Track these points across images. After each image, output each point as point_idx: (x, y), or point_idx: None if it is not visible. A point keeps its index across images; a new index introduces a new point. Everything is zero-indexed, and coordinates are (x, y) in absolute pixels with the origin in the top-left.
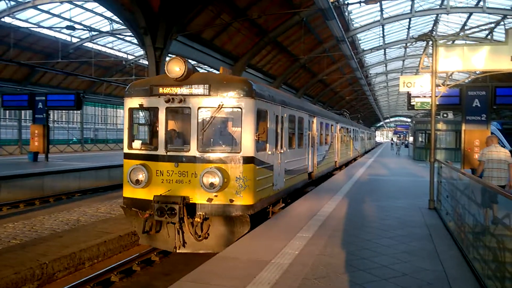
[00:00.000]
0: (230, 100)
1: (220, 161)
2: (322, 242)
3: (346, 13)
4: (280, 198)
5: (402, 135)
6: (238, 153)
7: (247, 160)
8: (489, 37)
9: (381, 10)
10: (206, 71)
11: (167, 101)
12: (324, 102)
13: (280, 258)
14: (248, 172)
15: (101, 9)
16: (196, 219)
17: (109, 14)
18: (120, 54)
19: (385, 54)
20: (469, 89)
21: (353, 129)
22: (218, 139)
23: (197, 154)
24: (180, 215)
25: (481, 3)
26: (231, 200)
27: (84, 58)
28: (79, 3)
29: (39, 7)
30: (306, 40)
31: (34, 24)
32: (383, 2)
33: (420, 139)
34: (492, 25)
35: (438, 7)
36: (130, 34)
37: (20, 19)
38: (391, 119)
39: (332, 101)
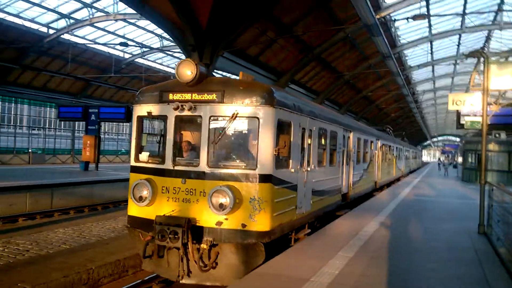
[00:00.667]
0: (246, 108)
1: (233, 178)
2: (364, 263)
3: (393, 29)
4: (306, 222)
5: (450, 155)
6: (254, 170)
7: (264, 178)
8: None
9: (430, 26)
10: (225, 76)
11: (176, 109)
12: (368, 118)
13: (320, 276)
14: (264, 192)
15: (152, 26)
16: (202, 245)
17: (159, 31)
18: (169, 70)
19: (433, 71)
20: None
21: (397, 147)
22: (231, 153)
23: (207, 170)
24: (184, 240)
25: None
26: (244, 225)
27: (135, 73)
28: (132, 21)
29: (95, 24)
30: (350, 56)
31: (90, 40)
32: (431, 18)
33: (469, 159)
34: None
35: (490, 23)
36: (178, 50)
37: (78, 36)
38: (439, 138)
39: (376, 118)
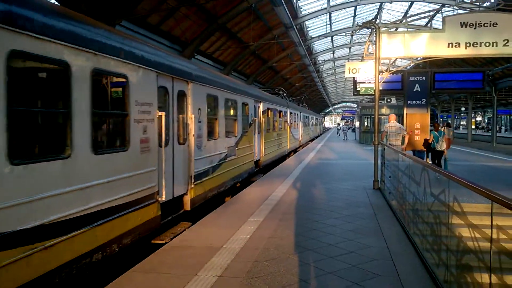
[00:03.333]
0: None
1: None
2: (273, 225)
3: (294, 0)
4: None
5: (349, 120)
6: None
7: None
8: (429, 25)
9: None
10: None
11: None
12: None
13: (232, 243)
14: None
15: None
16: None
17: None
18: None
19: (332, 41)
20: (410, 75)
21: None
22: None
23: None
24: None
25: None
26: None
27: None
28: None
29: None
30: (255, 27)
31: None
32: None
33: (365, 123)
34: (432, 13)
35: None
36: None
37: None
38: (339, 105)
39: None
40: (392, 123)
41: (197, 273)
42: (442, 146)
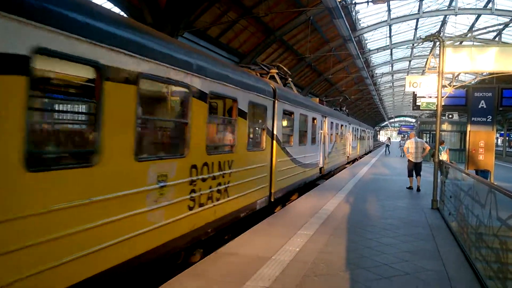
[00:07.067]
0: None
1: None
2: (324, 240)
3: (353, 13)
4: None
5: (406, 135)
6: None
7: None
8: (496, 38)
9: (389, 10)
10: None
11: None
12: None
13: (281, 255)
14: None
15: (109, 5)
16: None
17: (116, 10)
18: None
19: (391, 54)
20: (475, 90)
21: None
22: None
23: None
24: None
25: (490, 5)
26: None
27: None
28: None
29: None
30: (312, 39)
31: None
32: (390, 2)
33: (424, 139)
34: (500, 26)
35: (446, 8)
36: None
37: None
38: (396, 119)
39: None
40: (413, 139)
41: (246, 282)
42: (443, 157)
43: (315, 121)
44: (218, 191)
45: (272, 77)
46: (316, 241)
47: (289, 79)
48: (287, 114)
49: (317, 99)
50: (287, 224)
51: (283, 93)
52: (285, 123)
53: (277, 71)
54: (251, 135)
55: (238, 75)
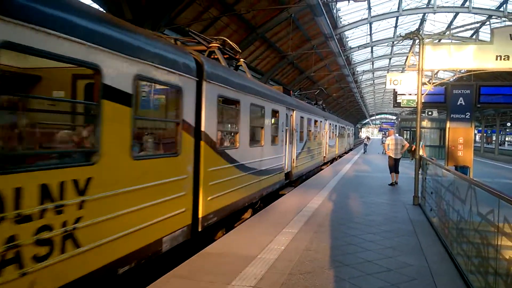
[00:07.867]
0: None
1: None
2: (308, 238)
3: (335, 10)
4: None
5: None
6: None
7: None
8: (474, 36)
9: (369, 8)
10: None
11: None
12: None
13: (266, 253)
14: None
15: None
16: None
17: (94, 6)
18: None
19: (372, 52)
20: (454, 87)
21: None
22: None
23: None
24: None
25: (467, 3)
26: None
27: None
28: None
29: None
30: (294, 36)
31: None
32: (371, 0)
33: (405, 136)
34: (478, 25)
35: (425, 6)
36: None
37: None
38: (377, 117)
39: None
40: (393, 136)
41: (232, 281)
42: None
43: (276, 114)
44: (42, 242)
45: (213, 55)
46: (301, 239)
47: (241, 59)
48: (228, 103)
49: (281, 87)
50: (272, 222)
51: (218, 72)
52: (224, 116)
53: (218, 45)
54: (145, 133)
55: (99, 26)
